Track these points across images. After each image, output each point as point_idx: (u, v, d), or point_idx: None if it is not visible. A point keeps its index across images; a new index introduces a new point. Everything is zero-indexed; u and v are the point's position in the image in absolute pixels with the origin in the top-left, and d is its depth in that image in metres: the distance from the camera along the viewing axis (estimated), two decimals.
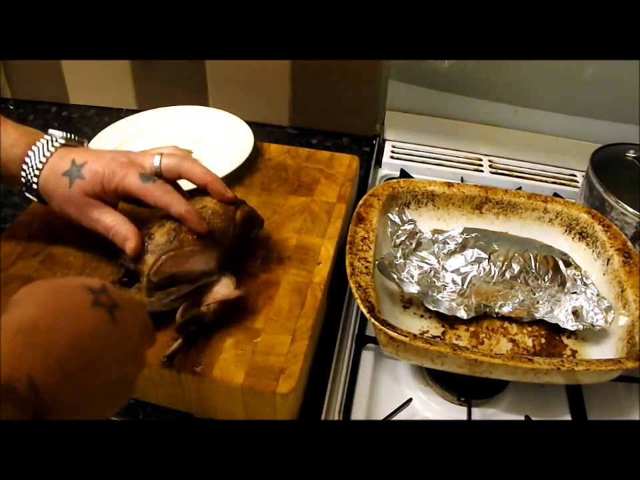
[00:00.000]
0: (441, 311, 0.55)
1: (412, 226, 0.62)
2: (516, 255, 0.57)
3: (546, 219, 0.65)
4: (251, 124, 0.76)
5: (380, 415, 0.50)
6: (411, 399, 0.50)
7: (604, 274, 0.59)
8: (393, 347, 0.48)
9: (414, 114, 0.85)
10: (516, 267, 0.56)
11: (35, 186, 0.51)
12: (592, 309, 0.55)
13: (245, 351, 0.47)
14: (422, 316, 0.58)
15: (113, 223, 0.49)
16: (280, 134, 0.89)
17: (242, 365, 0.46)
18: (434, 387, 0.53)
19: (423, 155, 0.86)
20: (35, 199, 0.52)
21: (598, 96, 0.76)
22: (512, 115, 0.82)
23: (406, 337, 0.46)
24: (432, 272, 0.58)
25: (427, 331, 0.56)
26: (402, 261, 0.58)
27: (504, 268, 0.56)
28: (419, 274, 0.57)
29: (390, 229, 0.62)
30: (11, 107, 0.93)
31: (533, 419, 0.50)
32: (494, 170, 0.84)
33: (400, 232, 0.61)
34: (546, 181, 0.82)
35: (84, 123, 0.90)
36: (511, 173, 0.84)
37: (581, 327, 0.54)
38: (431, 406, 0.52)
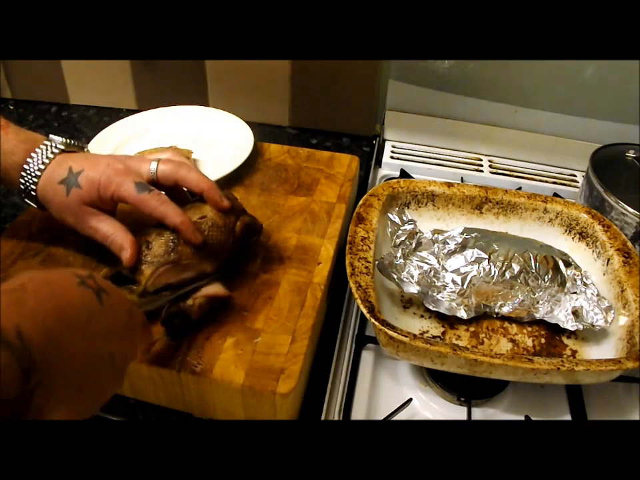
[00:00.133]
0: (441, 310, 0.55)
1: (412, 226, 0.62)
2: (516, 255, 0.57)
3: (546, 219, 0.65)
4: (251, 124, 0.76)
5: (380, 415, 0.50)
6: (411, 399, 0.50)
7: (604, 274, 0.59)
8: (392, 346, 0.48)
9: (414, 114, 0.85)
10: (516, 267, 0.56)
11: (33, 193, 0.51)
12: (592, 309, 0.55)
13: (245, 351, 0.47)
14: (422, 316, 0.58)
15: (110, 231, 0.50)
16: (280, 134, 0.89)
17: (242, 365, 0.46)
18: (434, 387, 0.53)
19: (423, 154, 0.86)
20: (34, 205, 0.53)
21: (598, 96, 0.76)
22: (512, 114, 0.82)
23: (406, 337, 0.46)
24: (432, 272, 0.58)
25: (427, 331, 0.56)
26: (402, 260, 0.58)
27: (504, 268, 0.56)
28: (419, 274, 0.57)
29: (390, 229, 0.62)
30: (11, 107, 0.93)
31: (533, 418, 0.50)
32: (494, 170, 0.84)
33: (400, 232, 0.61)
34: (546, 181, 0.82)
35: (84, 123, 0.90)
36: (511, 173, 0.84)
37: (580, 326, 0.54)
38: (430, 406, 0.52)
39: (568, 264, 0.58)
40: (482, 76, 0.79)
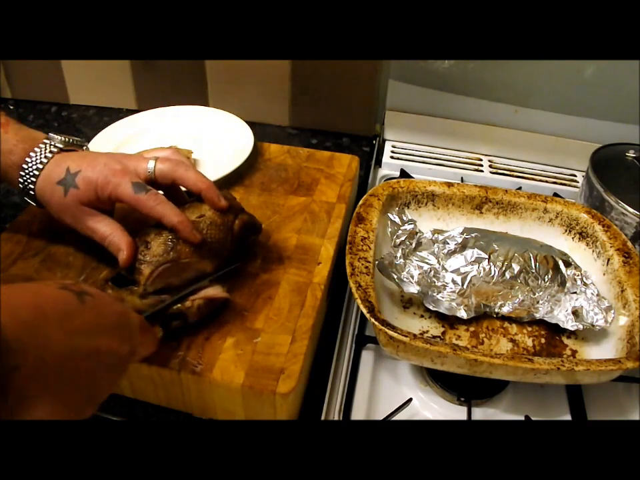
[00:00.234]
0: (441, 310, 0.55)
1: (412, 226, 0.62)
2: (516, 255, 0.57)
3: (546, 219, 0.65)
4: (251, 124, 0.76)
5: (380, 415, 0.50)
6: (411, 399, 0.50)
7: (604, 274, 0.59)
8: (392, 346, 0.48)
9: (414, 114, 0.85)
10: (516, 267, 0.56)
11: (32, 192, 0.51)
12: (592, 309, 0.55)
13: (245, 351, 0.47)
14: (422, 316, 0.58)
15: (108, 232, 0.50)
16: (280, 134, 0.89)
17: (242, 365, 0.46)
18: (434, 386, 0.53)
19: (423, 154, 0.86)
20: (34, 203, 0.53)
21: (598, 96, 0.76)
22: (512, 114, 0.82)
23: (406, 337, 0.46)
24: (432, 272, 0.58)
25: (427, 331, 0.56)
26: (402, 261, 0.58)
27: (504, 268, 0.56)
28: (419, 274, 0.57)
29: (390, 229, 0.62)
30: (11, 107, 0.93)
31: (533, 419, 0.50)
32: (494, 170, 0.84)
33: (400, 232, 0.61)
34: (546, 181, 0.82)
35: (84, 123, 0.90)
36: (511, 172, 0.84)
37: (581, 327, 0.54)
38: (430, 406, 0.52)
39: (568, 264, 0.58)
40: (482, 76, 0.79)
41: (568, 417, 0.52)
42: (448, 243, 0.59)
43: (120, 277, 0.48)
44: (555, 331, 0.57)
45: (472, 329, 0.57)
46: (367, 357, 0.56)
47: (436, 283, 0.57)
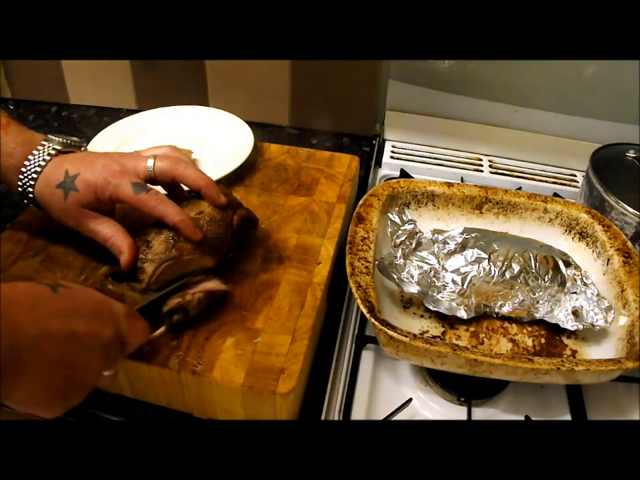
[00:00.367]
0: (441, 310, 0.55)
1: (412, 226, 0.62)
2: (516, 255, 0.57)
3: (546, 219, 0.65)
4: (251, 124, 0.76)
5: (380, 415, 0.50)
6: (411, 399, 0.50)
7: (604, 274, 0.59)
8: (392, 346, 0.48)
9: (414, 114, 0.85)
10: (516, 267, 0.56)
11: (31, 195, 0.51)
12: (592, 309, 0.55)
13: (245, 351, 0.47)
14: (422, 316, 0.58)
15: (109, 234, 0.50)
16: (280, 134, 0.89)
17: (242, 365, 0.46)
18: (434, 386, 0.53)
19: (423, 154, 0.86)
20: (33, 205, 0.53)
21: (598, 96, 0.76)
22: (512, 114, 0.82)
23: (406, 337, 0.46)
24: (432, 272, 0.58)
25: (427, 331, 0.56)
26: (402, 261, 0.58)
27: (504, 268, 0.56)
28: (419, 274, 0.57)
29: (390, 229, 0.62)
30: (11, 107, 0.93)
31: (532, 418, 0.50)
32: (494, 170, 0.84)
33: (400, 232, 0.61)
34: (546, 181, 0.82)
35: (84, 123, 0.90)
36: (511, 173, 0.84)
37: (581, 326, 0.54)
38: (430, 406, 0.52)
39: (568, 264, 0.58)
40: (482, 76, 0.79)
41: (568, 417, 0.52)
42: (448, 243, 0.59)
43: (119, 273, 0.49)
44: (555, 331, 0.57)
45: (472, 329, 0.57)
46: (367, 357, 0.56)
47: (436, 283, 0.57)
